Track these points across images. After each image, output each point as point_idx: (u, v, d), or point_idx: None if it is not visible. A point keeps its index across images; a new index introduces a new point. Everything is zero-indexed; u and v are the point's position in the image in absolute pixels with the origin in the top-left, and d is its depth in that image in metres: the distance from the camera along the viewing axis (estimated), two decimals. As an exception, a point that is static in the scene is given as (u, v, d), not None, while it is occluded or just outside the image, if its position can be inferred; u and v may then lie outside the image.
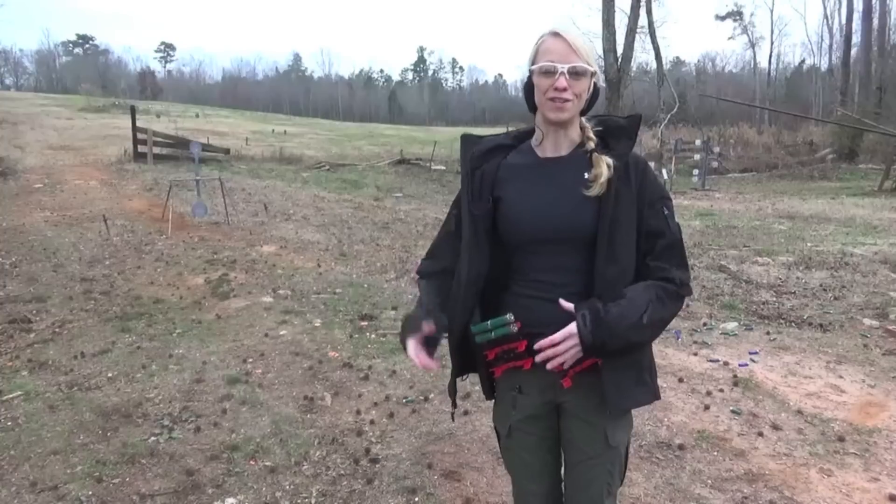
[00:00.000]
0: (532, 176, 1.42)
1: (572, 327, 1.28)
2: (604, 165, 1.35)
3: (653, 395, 1.44)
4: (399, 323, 4.97)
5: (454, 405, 1.65)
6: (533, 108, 1.41)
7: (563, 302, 1.32)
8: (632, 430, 1.54)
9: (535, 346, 1.31)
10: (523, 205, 1.39)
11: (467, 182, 1.45)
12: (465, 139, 1.51)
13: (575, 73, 1.32)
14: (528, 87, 1.39)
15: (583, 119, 1.43)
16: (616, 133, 1.42)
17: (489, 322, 1.38)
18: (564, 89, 1.31)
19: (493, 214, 1.42)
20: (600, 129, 1.43)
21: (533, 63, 1.36)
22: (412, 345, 1.43)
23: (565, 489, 1.55)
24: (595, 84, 1.38)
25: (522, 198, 1.40)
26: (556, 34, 1.34)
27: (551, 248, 1.38)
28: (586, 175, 1.36)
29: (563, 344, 1.29)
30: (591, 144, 1.39)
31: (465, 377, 1.60)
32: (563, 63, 1.31)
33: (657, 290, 1.34)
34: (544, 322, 1.36)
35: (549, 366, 1.31)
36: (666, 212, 1.40)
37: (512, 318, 1.36)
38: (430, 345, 1.45)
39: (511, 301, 1.43)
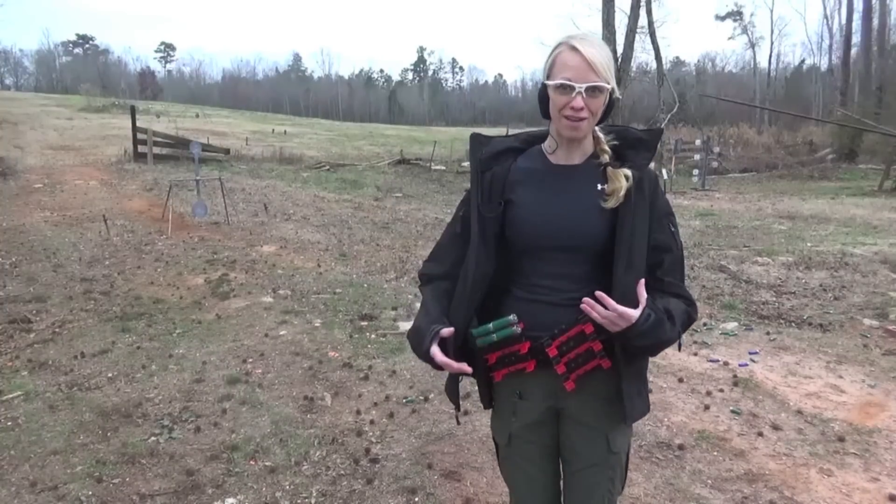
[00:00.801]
0: (544, 182, 1.40)
1: (633, 315, 1.24)
2: (622, 178, 1.34)
3: (647, 406, 1.46)
4: (399, 323, 4.93)
5: (458, 408, 1.60)
6: (547, 114, 1.38)
7: (640, 288, 1.27)
8: (631, 435, 1.53)
9: (596, 294, 1.25)
10: (534, 210, 1.38)
11: (477, 183, 1.43)
12: (475, 139, 1.48)
13: (592, 91, 1.28)
14: (543, 94, 1.35)
15: (597, 129, 1.40)
16: (634, 145, 1.40)
17: (491, 324, 1.36)
18: (581, 108, 1.28)
19: (503, 217, 1.40)
20: (617, 143, 1.40)
21: (548, 75, 1.32)
22: (438, 353, 1.35)
23: (565, 497, 1.53)
24: (611, 96, 1.33)
25: (534, 203, 1.38)
26: (573, 48, 1.28)
27: (558, 255, 1.37)
28: (599, 186, 1.35)
29: (614, 314, 1.24)
30: (606, 157, 1.38)
31: (461, 378, 1.58)
32: (580, 82, 1.26)
33: (686, 315, 1.37)
34: (546, 326, 1.35)
35: (587, 311, 1.26)
36: (672, 228, 1.41)
37: (515, 318, 1.34)
38: (447, 348, 1.38)
39: (511, 305, 1.41)
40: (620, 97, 1.42)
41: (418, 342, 1.40)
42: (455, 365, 1.35)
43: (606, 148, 1.39)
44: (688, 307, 1.38)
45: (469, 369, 1.36)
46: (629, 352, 1.34)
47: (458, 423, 1.76)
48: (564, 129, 1.33)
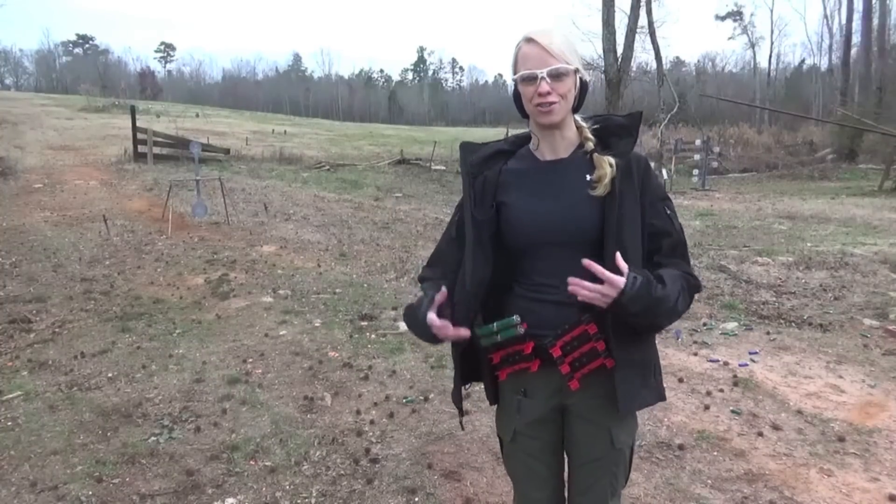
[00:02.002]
0: (534, 180, 1.41)
1: (619, 281, 1.21)
2: (606, 166, 1.35)
3: (658, 395, 1.45)
4: (399, 323, 4.93)
5: (461, 413, 1.60)
6: (524, 114, 1.41)
7: (619, 259, 1.24)
8: (637, 432, 1.53)
9: (584, 262, 1.23)
10: (527, 209, 1.39)
11: (469, 189, 1.44)
12: (464, 147, 1.51)
13: (555, 75, 1.31)
14: (517, 94, 1.39)
15: (578, 118, 1.43)
16: (617, 131, 1.41)
17: (495, 324, 1.36)
18: (548, 93, 1.31)
19: (497, 219, 1.41)
20: (597, 126, 1.42)
21: (514, 72, 1.36)
22: (434, 319, 1.33)
23: (569, 490, 1.54)
24: (581, 79, 1.37)
25: (526, 202, 1.39)
26: (529, 40, 1.33)
27: (556, 251, 1.38)
28: (588, 177, 1.36)
29: (600, 286, 1.21)
30: (590, 144, 1.39)
31: (468, 385, 1.58)
32: (540, 68, 1.31)
33: (683, 280, 1.35)
34: (549, 324, 1.36)
35: (574, 291, 1.23)
36: (668, 211, 1.40)
37: (518, 319, 1.34)
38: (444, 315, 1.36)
39: (514, 304, 1.42)
40: (590, 80, 1.43)
41: (414, 314, 1.39)
42: (451, 331, 1.33)
43: (590, 136, 1.41)
44: (685, 273, 1.36)
45: (466, 334, 1.34)
46: (624, 334, 1.32)
47: (463, 428, 1.78)
48: (538, 116, 1.35)
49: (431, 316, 1.34)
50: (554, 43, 1.32)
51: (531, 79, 1.32)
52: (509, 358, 1.41)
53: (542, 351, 1.36)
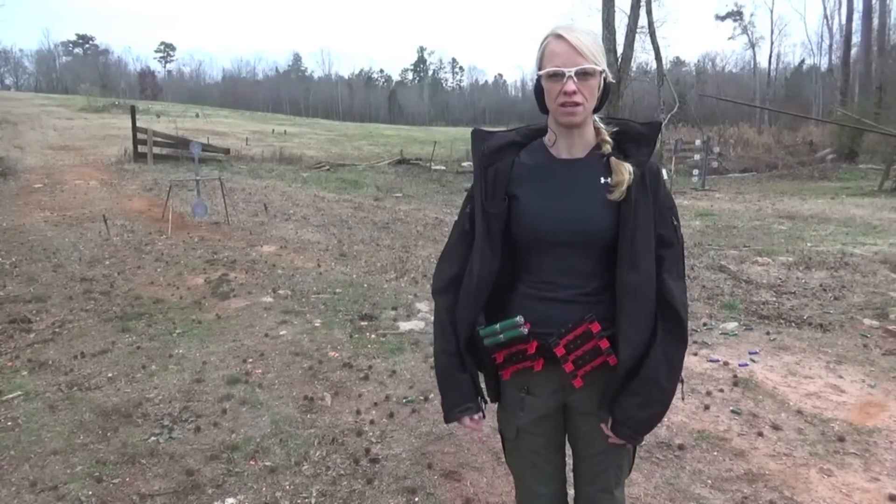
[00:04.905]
0: (548, 177, 1.40)
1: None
2: (625, 172, 1.34)
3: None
4: (399, 323, 4.91)
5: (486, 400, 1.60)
6: (544, 109, 1.39)
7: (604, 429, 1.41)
8: None
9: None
10: (540, 206, 1.38)
11: (481, 179, 1.42)
12: (476, 134, 1.48)
13: (583, 75, 1.29)
14: (538, 89, 1.36)
15: (596, 119, 1.41)
16: (635, 139, 1.40)
17: (498, 325, 1.36)
18: (574, 92, 1.29)
19: (508, 213, 1.40)
20: (616, 129, 1.41)
21: (540, 67, 1.34)
22: (467, 422, 1.51)
23: (575, 480, 1.56)
24: (605, 81, 1.35)
25: (539, 198, 1.38)
26: (559, 36, 1.31)
27: (565, 250, 1.37)
28: (603, 179, 1.36)
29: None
30: (608, 147, 1.38)
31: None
32: (569, 66, 1.28)
33: (669, 353, 1.35)
34: (553, 322, 1.36)
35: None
36: (675, 222, 1.41)
37: (522, 320, 1.34)
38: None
39: (518, 302, 1.42)
40: (614, 81, 1.42)
41: (446, 398, 1.50)
42: (476, 429, 1.53)
43: (608, 139, 1.39)
44: (671, 335, 1.35)
45: (481, 431, 1.57)
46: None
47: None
48: (561, 115, 1.33)
49: (466, 422, 1.50)
50: (583, 42, 1.30)
51: (558, 76, 1.30)
52: (513, 357, 1.41)
53: (545, 350, 1.37)
